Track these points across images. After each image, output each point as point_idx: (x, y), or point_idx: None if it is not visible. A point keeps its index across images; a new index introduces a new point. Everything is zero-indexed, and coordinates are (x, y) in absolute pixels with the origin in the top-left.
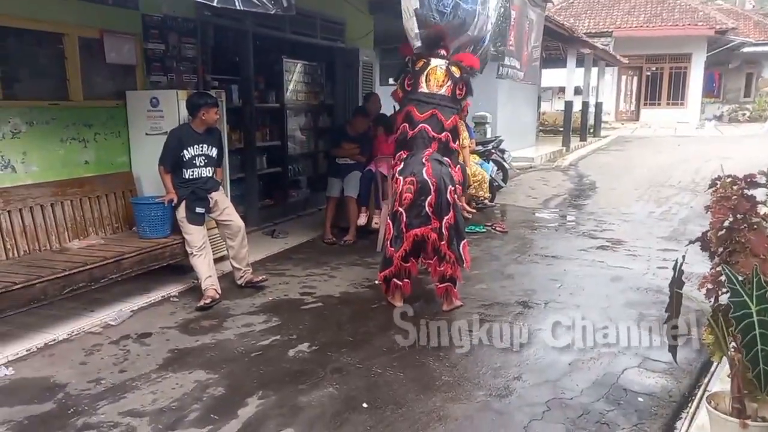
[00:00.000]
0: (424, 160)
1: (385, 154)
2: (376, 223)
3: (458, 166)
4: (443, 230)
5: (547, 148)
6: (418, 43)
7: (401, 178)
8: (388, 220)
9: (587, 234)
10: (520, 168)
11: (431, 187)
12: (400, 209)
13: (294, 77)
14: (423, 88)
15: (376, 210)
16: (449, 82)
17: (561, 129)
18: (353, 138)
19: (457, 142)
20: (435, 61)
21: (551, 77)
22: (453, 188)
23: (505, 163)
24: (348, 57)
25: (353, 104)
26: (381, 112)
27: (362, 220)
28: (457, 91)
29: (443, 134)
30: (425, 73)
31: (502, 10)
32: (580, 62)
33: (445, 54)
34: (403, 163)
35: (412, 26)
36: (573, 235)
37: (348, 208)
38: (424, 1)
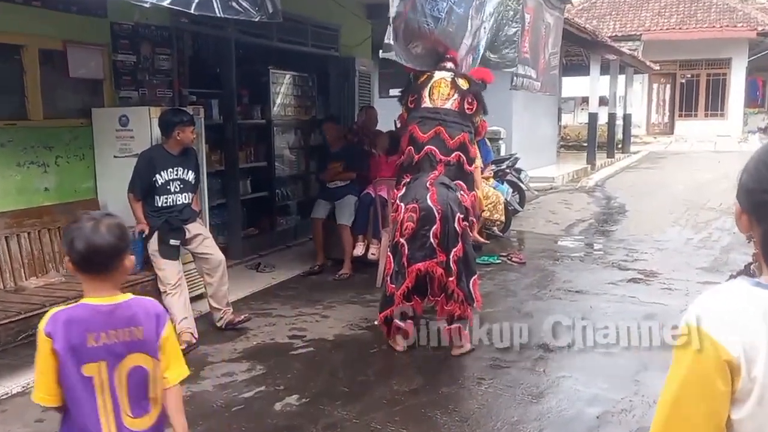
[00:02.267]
0: (428, 185)
1: (386, 176)
2: (373, 254)
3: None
4: (451, 264)
5: (570, 167)
6: (389, 53)
7: (402, 204)
8: (389, 253)
9: (616, 265)
10: (539, 189)
11: (436, 215)
12: (402, 240)
13: (282, 90)
14: (426, 102)
15: (374, 240)
16: (455, 96)
17: (585, 144)
18: (336, 154)
19: (473, 164)
20: (439, 74)
21: (573, 86)
22: (462, 216)
23: (521, 184)
24: (343, 67)
25: (349, 119)
26: (378, 128)
27: (359, 251)
28: (466, 106)
29: (452, 155)
30: (429, 86)
31: (511, 13)
32: (605, 69)
33: (453, 66)
34: (405, 188)
35: (388, 34)
36: (600, 267)
37: (342, 238)
38: (417, 5)
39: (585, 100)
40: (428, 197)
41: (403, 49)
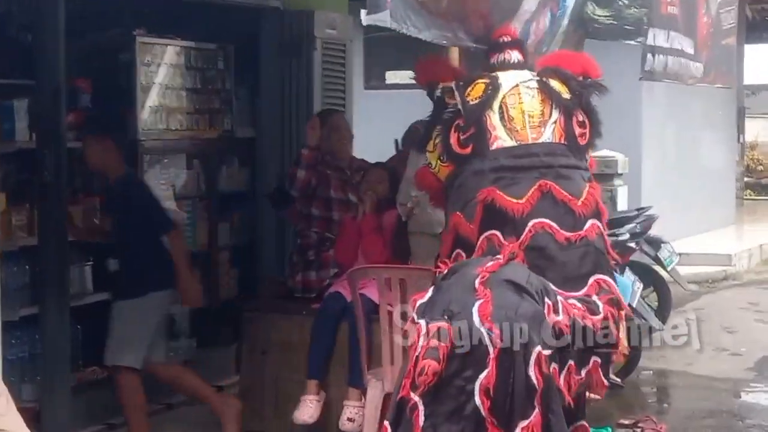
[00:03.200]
0: (477, 282)
1: (375, 259)
2: (350, 420)
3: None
4: None
5: (763, 232)
6: (379, 14)
7: (423, 323)
8: (386, 424)
9: None
10: (700, 279)
11: (489, 347)
12: (414, 398)
13: (162, 78)
14: (503, 138)
15: (351, 387)
16: (555, 115)
17: None
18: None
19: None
20: (511, 76)
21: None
22: (547, 354)
23: (662, 272)
24: (290, 30)
25: (303, 133)
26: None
27: (307, 414)
28: (578, 131)
29: (585, 229)
30: (497, 105)
31: None
32: None
33: (522, 58)
34: (430, 291)
35: None
36: None
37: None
38: None
39: None
40: (475, 310)
41: (408, 5)
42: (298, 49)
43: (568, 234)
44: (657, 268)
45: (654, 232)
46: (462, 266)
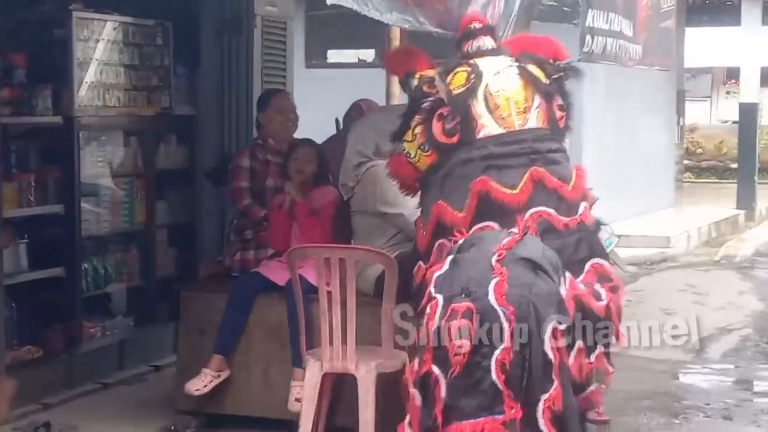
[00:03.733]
0: (494, 260)
1: (312, 237)
2: (298, 401)
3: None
4: (542, 425)
5: (703, 215)
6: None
7: (440, 299)
8: (412, 390)
9: None
10: (639, 261)
11: (504, 324)
12: (436, 371)
13: (100, 54)
14: (489, 126)
15: (296, 368)
16: (538, 100)
17: (732, 167)
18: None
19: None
20: (491, 63)
21: (708, 48)
22: (563, 329)
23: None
24: (229, 6)
25: (243, 111)
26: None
27: (196, 387)
28: (557, 114)
29: (578, 215)
30: (482, 92)
31: None
32: None
33: (495, 43)
34: (447, 264)
35: None
36: (764, 429)
37: None
38: None
39: (732, 77)
40: (491, 288)
41: None
42: (238, 26)
43: (565, 220)
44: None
45: (594, 213)
46: (479, 240)
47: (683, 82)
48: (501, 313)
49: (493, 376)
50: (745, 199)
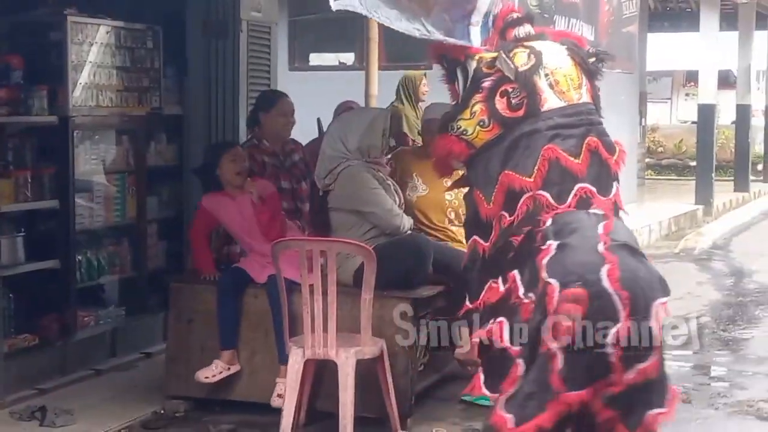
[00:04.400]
0: (601, 247)
1: (272, 230)
2: (280, 396)
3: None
4: (638, 388)
5: (663, 209)
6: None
7: (554, 282)
8: (519, 360)
9: (753, 409)
10: None
11: (618, 306)
12: (554, 348)
13: (93, 57)
14: (551, 100)
15: (282, 365)
16: (584, 79)
17: (691, 164)
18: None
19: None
20: (544, 46)
21: (668, 52)
22: (666, 303)
23: None
24: (216, 11)
25: (229, 111)
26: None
27: (204, 375)
28: (596, 93)
29: (612, 195)
30: (542, 69)
31: None
32: (729, 20)
33: (531, 29)
34: (554, 249)
35: None
36: (723, 414)
37: None
38: None
39: (692, 79)
40: (604, 276)
41: None
42: (225, 30)
43: (602, 200)
44: None
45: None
46: (578, 224)
47: (645, 85)
48: (616, 297)
49: (610, 350)
50: (704, 195)
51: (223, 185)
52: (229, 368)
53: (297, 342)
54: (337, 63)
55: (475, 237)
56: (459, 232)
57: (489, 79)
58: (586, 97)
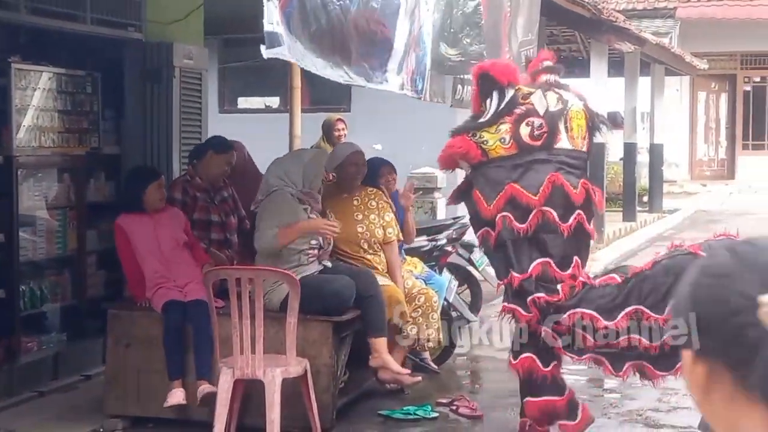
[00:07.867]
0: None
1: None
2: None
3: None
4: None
5: None
6: (277, 49)
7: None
8: (564, 337)
9: (642, 417)
10: None
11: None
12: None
13: (36, 101)
14: (564, 141)
15: (200, 381)
16: (587, 133)
17: None
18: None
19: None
20: (569, 96)
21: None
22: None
23: (475, 272)
24: (150, 59)
25: (163, 151)
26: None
27: (175, 399)
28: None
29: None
30: (564, 116)
31: None
32: (616, 67)
33: (555, 78)
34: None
35: (269, 13)
36: (614, 422)
37: None
38: None
39: None
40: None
41: (301, 48)
42: (159, 76)
43: (590, 228)
44: (470, 268)
45: (467, 237)
46: (682, 263)
47: None
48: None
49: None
50: (596, 225)
51: (144, 207)
52: (183, 391)
53: (227, 362)
54: (263, 106)
55: (508, 215)
56: (374, 259)
57: (522, 107)
58: (585, 147)
